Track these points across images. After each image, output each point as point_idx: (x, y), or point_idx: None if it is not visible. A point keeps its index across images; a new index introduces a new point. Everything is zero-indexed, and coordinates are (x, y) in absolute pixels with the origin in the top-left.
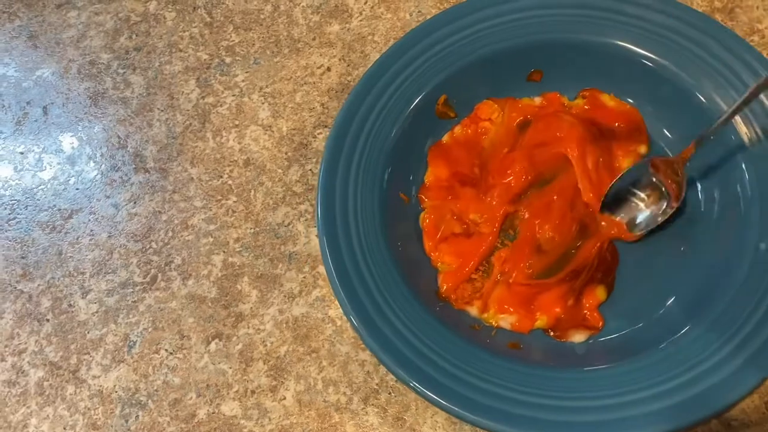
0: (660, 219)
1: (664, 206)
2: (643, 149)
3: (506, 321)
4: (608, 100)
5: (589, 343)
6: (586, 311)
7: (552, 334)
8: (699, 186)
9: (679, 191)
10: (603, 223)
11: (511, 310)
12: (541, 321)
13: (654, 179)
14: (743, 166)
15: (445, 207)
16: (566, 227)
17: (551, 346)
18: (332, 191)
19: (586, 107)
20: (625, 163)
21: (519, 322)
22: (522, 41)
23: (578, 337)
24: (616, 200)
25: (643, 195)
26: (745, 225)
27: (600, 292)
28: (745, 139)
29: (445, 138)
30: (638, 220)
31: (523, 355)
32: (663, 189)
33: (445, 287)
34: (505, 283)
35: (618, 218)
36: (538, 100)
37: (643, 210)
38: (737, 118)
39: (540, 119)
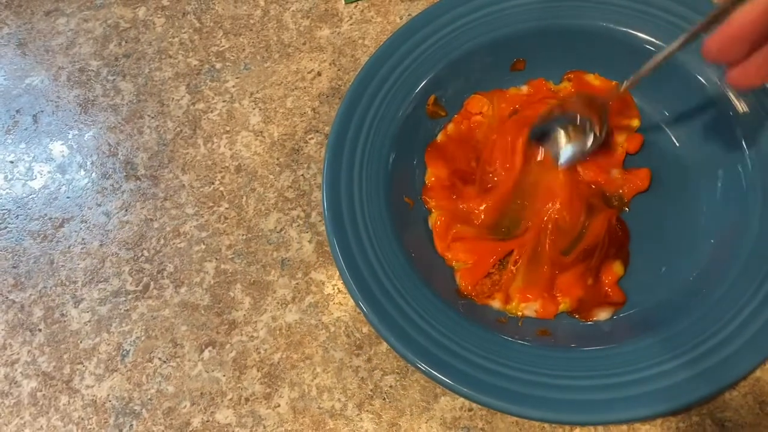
0: (585, 151)
1: (589, 141)
2: (635, 123)
3: (530, 309)
4: (593, 79)
5: (614, 319)
6: (607, 288)
7: (577, 315)
8: (701, 166)
9: (602, 125)
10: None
11: (534, 297)
12: (564, 304)
13: (578, 117)
14: (743, 143)
15: (452, 208)
16: (575, 206)
17: (579, 328)
18: (338, 203)
19: (572, 89)
20: (619, 138)
21: (543, 309)
22: (501, 33)
23: (603, 314)
24: (542, 135)
25: (567, 131)
26: (748, 203)
27: (617, 267)
28: (742, 115)
29: (440, 137)
30: (562, 153)
31: (553, 340)
32: (587, 125)
33: (463, 284)
34: (524, 271)
35: (545, 150)
36: (524, 88)
37: (567, 144)
38: (731, 94)
39: (528, 107)
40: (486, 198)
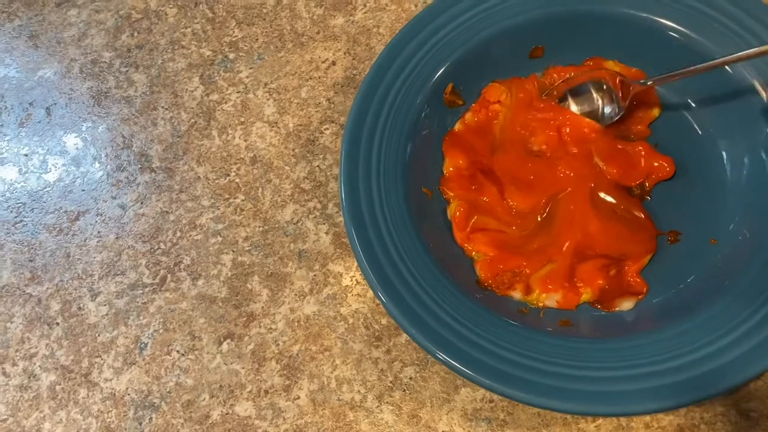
0: (609, 119)
1: (615, 108)
2: (656, 112)
3: (552, 299)
4: (613, 66)
5: (637, 309)
6: (630, 278)
7: (599, 306)
8: (725, 154)
9: (625, 99)
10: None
11: (555, 287)
12: (586, 294)
13: (605, 86)
14: (767, 130)
15: (472, 198)
16: (609, 230)
17: (601, 318)
18: (356, 194)
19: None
20: (640, 126)
21: (564, 299)
22: (519, 19)
23: (626, 304)
24: (577, 93)
25: (598, 95)
26: None
27: (643, 258)
28: (767, 102)
29: (458, 126)
30: (599, 111)
31: (575, 331)
32: (613, 95)
33: (483, 275)
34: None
35: (580, 108)
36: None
37: (600, 105)
38: (756, 82)
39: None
40: (515, 196)
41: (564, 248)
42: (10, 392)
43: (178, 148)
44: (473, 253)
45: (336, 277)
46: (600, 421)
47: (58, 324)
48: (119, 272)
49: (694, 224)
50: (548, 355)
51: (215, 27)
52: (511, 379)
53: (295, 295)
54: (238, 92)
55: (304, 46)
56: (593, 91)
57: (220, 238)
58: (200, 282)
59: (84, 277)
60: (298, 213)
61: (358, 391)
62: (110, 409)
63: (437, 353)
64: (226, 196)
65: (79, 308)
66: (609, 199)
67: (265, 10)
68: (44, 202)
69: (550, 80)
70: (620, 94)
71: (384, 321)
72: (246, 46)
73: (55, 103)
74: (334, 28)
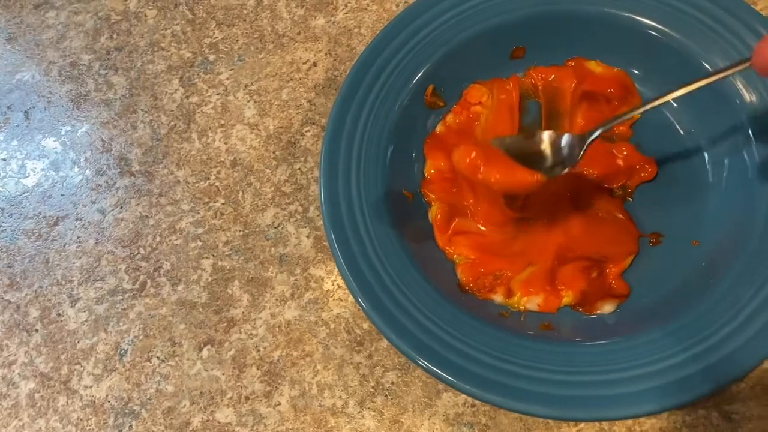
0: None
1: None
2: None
3: (533, 302)
4: (595, 66)
5: (618, 312)
6: (611, 280)
7: (580, 309)
8: (707, 155)
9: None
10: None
11: (536, 291)
12: (567, 297)
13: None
14: (749, 131)
15: (453, 201)
16: (594, 233)
17: (582, 322)
18: (335, 197)
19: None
20: (623, 127)
21: (545, 302)
22: (500, 20)
23: (607, 307)
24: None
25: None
26: (754, 192)
27: (625, 260)
28: (749, 104)
29: (439, 128)
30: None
31: (557, 334)
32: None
33: (464, 279)
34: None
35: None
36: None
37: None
38: (739, 83)
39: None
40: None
41: (545, 250)
42: None
43: (157, 151)
44: (454, 256)
45: (317, 282)
46: (582, 425)
47: (37, 331)
48: (99, 278)
49: (676, 226)
50: (529, 359)
51: (195, 28)
52: (492, 384)
53: (276, 300)
54: (218, 94)
55: (284, 47)
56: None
57: (200, 243)
58: (180, 287)
59: (63, 283)
60: (279, 216)
61: (340, 396)
62: (90, 416)
63: (418, 359)
64: (206, 200)
65: (59, 314)
66: (591, 201)
67: (245, 11)
68: (23, 207)
69: (530, 81)
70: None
71: (365, 326)
72: (226, 47)
73: (34, 107)
74: (315, 29)
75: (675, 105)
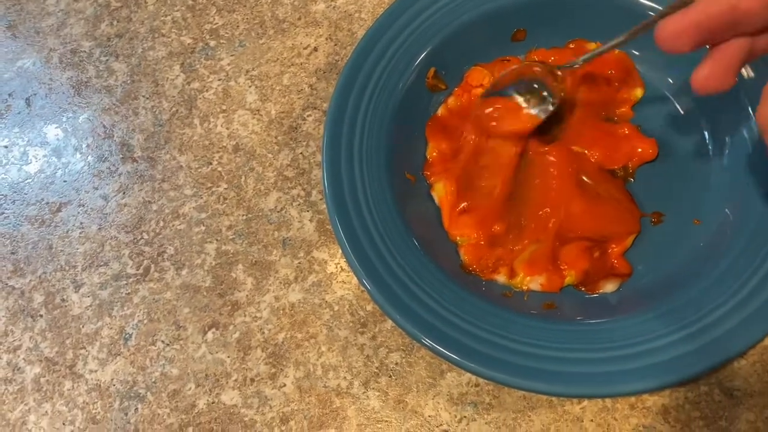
0: (542, 116)
1: (548, 107)
2: (639, 93)
3: (536, 282)
4: (595, 48)
5: (620, 291)
6: (613, 259)
7: (583, 288)
8: (707, 134)
9: (559, 91)
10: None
11: (539, 270)
12: (570, 277)
13: (535, 84)
14: (749, 109)
15: (461, 173)
16: (592, 212)
17: (584, 301)
18: (339, 181)
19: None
20: (624, 108)
21: (548, 281)
22: (501, 2)
23: (609, 286)
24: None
25: (522, 98)
26: (755, 168)
27: (627, 239)
28: (748, 80)
29: (440, 111)
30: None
31: (559, 313)
32: (544, 92)
33: (468, 259)
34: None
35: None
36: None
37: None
38: None
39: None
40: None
41: (548, 228)
42: None
43: (159, 137)
44: (458, 237)
45: (321, 265)
46: (585, 403)
47: (41, 316)
48: (102, 263)
49: (677, 205)
50: (533, 338)
51: (195, 14)
52: (496, 362)
53: (280, 283)
54: (219, 80)
55: (285, 32)
56: (519, 95)
57: (203, 227)
58: (184, 272)
59: (67, 268)
60: (282, 201)
61: (344, 377)
62: (96, 400)
63: (422, 338)
64: (209, 185)
65: (63, 300)
66: (592, 181)
67: None
68: (25, 194)
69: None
70: (552, 88)
71: (369, 307)
72: (227, 33)
73: (35, 94)
74: (315, 14)
75: (672, 82)
